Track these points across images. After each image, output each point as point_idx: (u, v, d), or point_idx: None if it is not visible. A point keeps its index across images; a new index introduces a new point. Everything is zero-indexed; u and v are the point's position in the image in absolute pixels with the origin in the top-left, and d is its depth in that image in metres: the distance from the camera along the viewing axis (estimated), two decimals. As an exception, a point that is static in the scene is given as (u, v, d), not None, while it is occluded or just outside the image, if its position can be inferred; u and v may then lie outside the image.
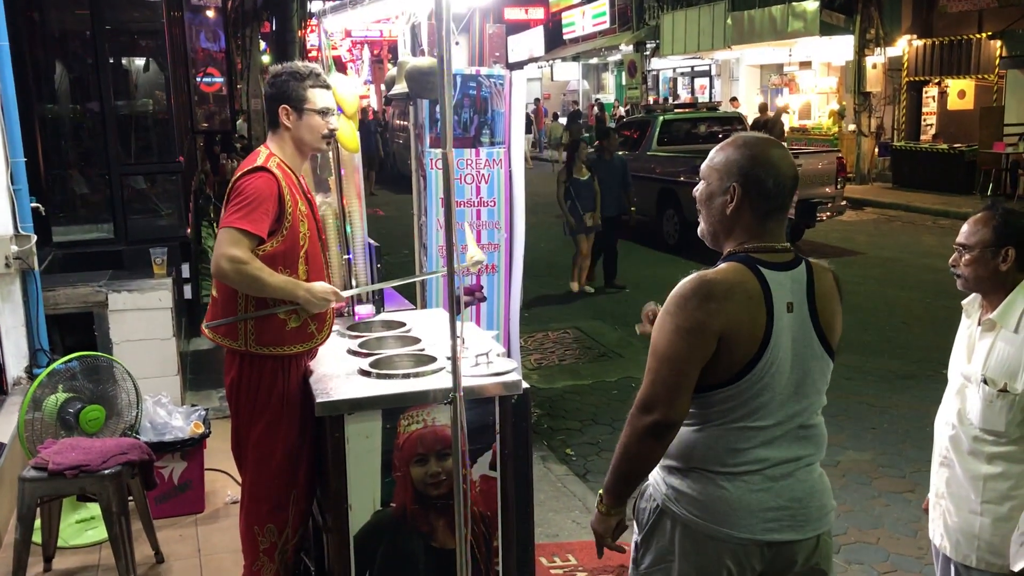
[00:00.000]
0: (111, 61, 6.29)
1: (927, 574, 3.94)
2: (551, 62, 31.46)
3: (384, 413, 2.87)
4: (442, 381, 2.95)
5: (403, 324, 3.72)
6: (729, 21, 20.27)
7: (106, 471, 3.47)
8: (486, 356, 3.06)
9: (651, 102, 23.12)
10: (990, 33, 16.05)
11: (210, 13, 9.46)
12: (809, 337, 2.07)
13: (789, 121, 18.80)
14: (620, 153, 10.90)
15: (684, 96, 26.17)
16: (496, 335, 4.15)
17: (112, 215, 6.08)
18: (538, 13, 30.28)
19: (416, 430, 2.89)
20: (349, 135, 3.97)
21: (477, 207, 4.78)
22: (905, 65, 17.68)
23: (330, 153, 3.98)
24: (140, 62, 7.20)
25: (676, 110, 15.84)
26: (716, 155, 2.13)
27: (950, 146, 16.21)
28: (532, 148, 24.52)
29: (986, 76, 16.35)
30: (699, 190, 2.16)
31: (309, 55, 15.17)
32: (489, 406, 2.97)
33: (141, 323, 5.27)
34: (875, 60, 17.82)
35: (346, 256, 4.02)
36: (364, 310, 3.92)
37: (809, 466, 2.11)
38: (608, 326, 8.26)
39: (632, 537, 2.23)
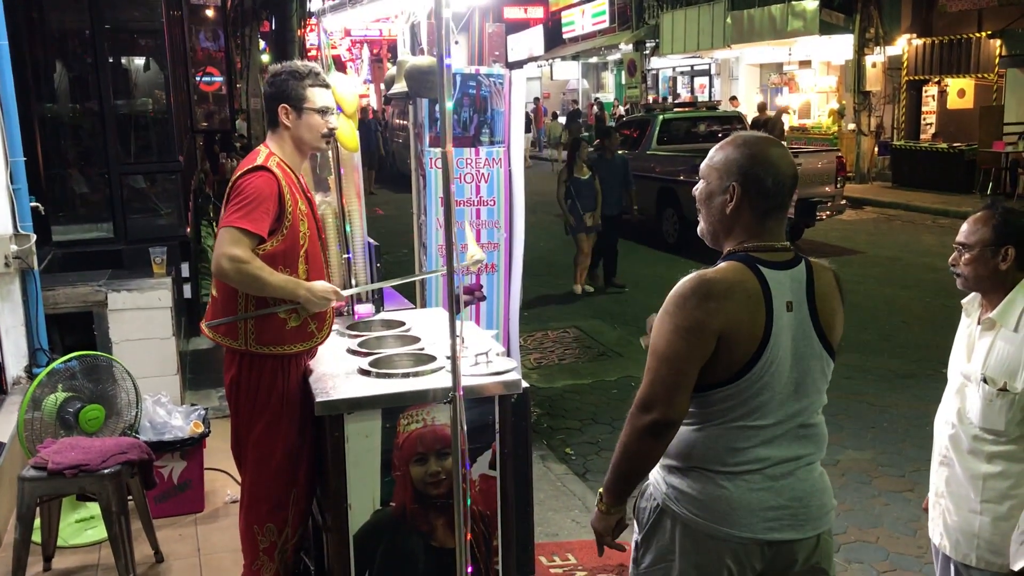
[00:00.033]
0: (111, 60, 6.29)
1: (927, 573, 3.94)
2: (551, 61, 31.45)
3: (384, 412, 2.87)
4: (441, 380, 2.95)
5: (403, 323, 3.72)
6: (729, 20, 20.27)
7: (105, 470, 3.47)
8: (486, 355, 3.06)
9: (651, 101, 23.13)
10: (990, 32, 16.06)
11: (209, 12, 9.46)
12: (809, 336, 2.07)
13: (789, 120, 18.80)
14: (621, 152, 10.90)
15: (684, 95, 26.17)
16: (496, 334, 4.15)
17: (112, 214, 6.08)
18: (538, 12, 30.27)
19: (416, 429, 2.89)
20: (348, 134, 3.97)
21: (477, 206, 4.78)
22: (905, 64, 17.68)
23: (329, 152, 3.98)
24: (140, 61, 7.20)
25: (676, 109, 15.86)
26: (715, 154, 2.13)
27: (950, 145, 16.21)
28: (532, 147, 24.51)
29: (986, 75, 16.35)
30: (699, 189, 2.16)
31: (308, 54, 15.16)
32: (489, 405, 2.97)
33: (140, 322, 5.27)
34: (875, 59, 17.82)
35: (346, 255, 4.02)
36: (364, 309, 3.92)
37: (809, 465, 2.11)
38: (608, 325, 8.27)
39: (632, 536, 2.23)
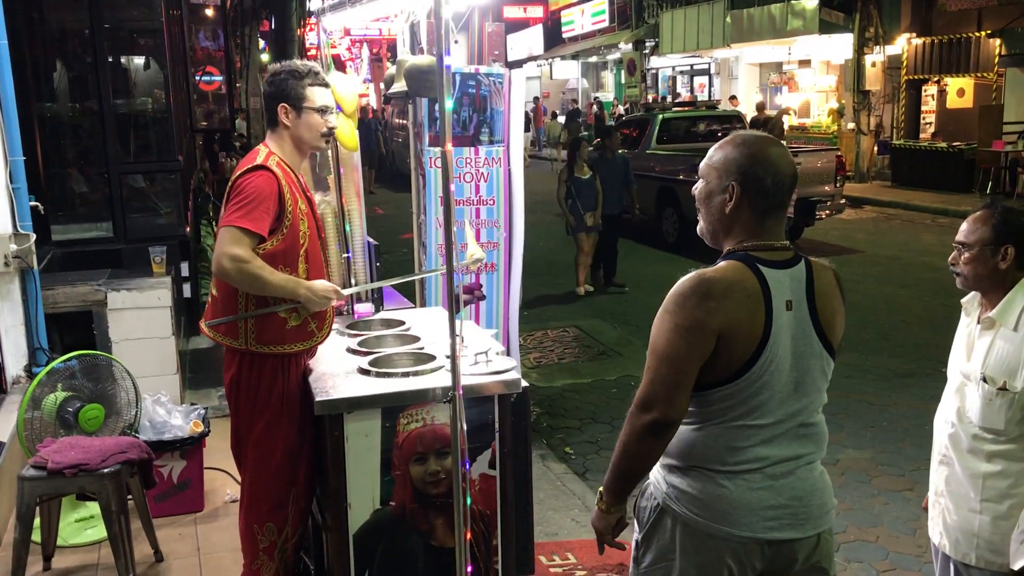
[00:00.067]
0: (110, 60, 6.29)
1: (926, 572, 3.94)
2: (550, 60, 31.44)
3: (383, 412, 2.87)
4: (441, 379, 2.95)
5: (402, 322, 3.72)
6: (728, 19, 20.27)
7: (105, 470, 3.47)
8: (485, 354, 3.06)
9: (650, 100, 23.13)
10: (989, 31, 16.05)
11: (209, 12, 9.46)
12: (809, 335, 2.07)
13: (789, 120, 18.81)
14: (621, 151, 10.90)
15: (683, 95, 26.16)
16: (495, 333, 4.15)
17: (111, 214, 6.08)
18: (537, 11, 30.25)
19: (415, 429, 2.89)
20: (348, 133, 3.97)
21: (476, 205, 4.78)
22: (904, 63, 17.68)
23: (329, 151, 3.98)
24: (139, 61, 7.19)
25: (675, 108, 15.86)
26: (715, 154, 2.13)
27: (949, 144, 16.21)
28: (531, 147, 24.50)
29: (985, 74, 16.35)
30: (698, 188, 2.16)
31: (308, 53, 15.15)
32: (488, 404, 2.97)
33: (140, 322, 5.27)
34: (874, 58, 17.82)
35: (345, 255, 4.02)
36: (363, 308, 3.92)
37: (810, 464, 2.11)
38: (607, 324, 8.26)
39: (632, 535, 2.23)
